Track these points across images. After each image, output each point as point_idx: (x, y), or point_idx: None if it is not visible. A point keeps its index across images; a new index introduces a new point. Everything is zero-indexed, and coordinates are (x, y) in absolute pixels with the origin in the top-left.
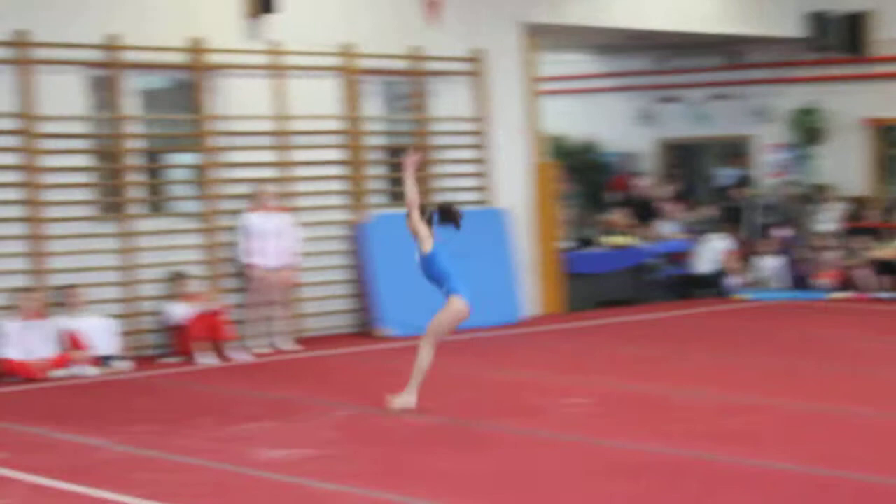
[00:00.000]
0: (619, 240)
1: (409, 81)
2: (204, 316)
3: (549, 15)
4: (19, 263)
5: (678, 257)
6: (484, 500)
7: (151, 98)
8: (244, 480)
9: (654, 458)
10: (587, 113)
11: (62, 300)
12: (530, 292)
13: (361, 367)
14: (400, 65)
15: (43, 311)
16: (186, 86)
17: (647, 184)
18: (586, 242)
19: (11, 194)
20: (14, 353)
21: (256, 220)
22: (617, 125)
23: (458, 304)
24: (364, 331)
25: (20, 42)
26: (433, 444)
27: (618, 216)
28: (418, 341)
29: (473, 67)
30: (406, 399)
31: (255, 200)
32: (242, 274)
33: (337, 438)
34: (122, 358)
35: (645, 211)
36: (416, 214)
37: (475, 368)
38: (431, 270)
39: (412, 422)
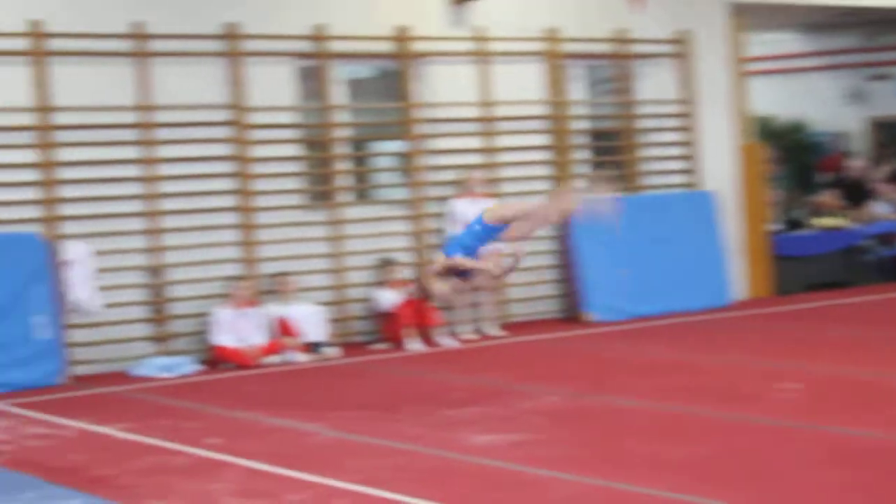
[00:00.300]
0: (829, 221)
1: (614, 65)
2: (412, 302)
3: None
4: (231, 252)
5: (891, 238)
6: (697, 487)
7: (358, 87)
8: (455, 466)
9: (878, 445)
10: (795, 93)
11: (273, 288)
12: (739, 275)
13: (567, 353)
14: (604, 48)
15: (255, 299)
16: (392, 74)
17: (860, 165)
18: (795, 224)
19: (223, 184)
20: (227, 341)
21: (463, 207)
22: (825, 105)
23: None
24: (570, 316)
25: (231, 35)
26: (643, 429)
27: (828, 197)
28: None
29: (679, 49)
30: None
31: (462, 187)
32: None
33: (545, 424)
34: (332, 345)
35: (856, 192)
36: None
37: (684, 353)
38: (484, 236)
39: (620, 406)
